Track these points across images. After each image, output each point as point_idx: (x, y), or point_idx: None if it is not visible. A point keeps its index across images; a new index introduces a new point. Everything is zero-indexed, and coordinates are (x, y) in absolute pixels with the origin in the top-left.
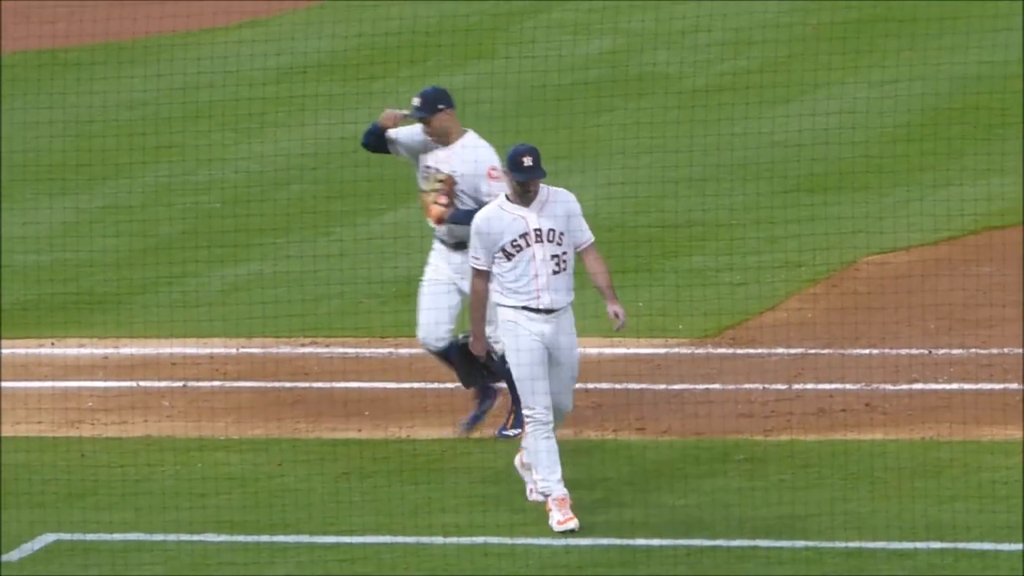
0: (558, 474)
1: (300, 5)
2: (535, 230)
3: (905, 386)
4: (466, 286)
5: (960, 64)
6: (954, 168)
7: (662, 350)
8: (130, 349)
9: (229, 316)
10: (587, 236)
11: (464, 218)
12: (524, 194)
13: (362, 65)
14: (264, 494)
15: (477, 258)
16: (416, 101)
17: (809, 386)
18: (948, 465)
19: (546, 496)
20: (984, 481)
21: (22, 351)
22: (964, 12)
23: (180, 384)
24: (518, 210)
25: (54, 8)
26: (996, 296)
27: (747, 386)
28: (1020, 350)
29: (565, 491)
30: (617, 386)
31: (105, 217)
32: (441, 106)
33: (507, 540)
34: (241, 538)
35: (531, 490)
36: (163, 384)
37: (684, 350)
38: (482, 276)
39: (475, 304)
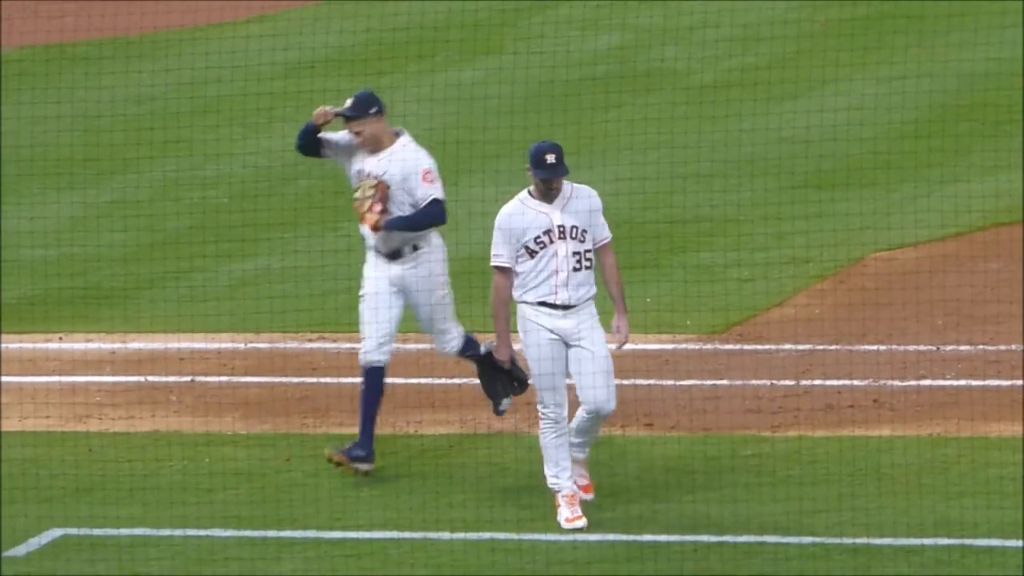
0: (569, 471)
1: (308, 0)
2: (558, 227)
3: (913, 382)
4: (412, 291)
5: (968, 61)
6: (962, 164)
7: (670, 346)
8: (138, 344)
9: (237, 311)
10: (605, 233)
11: (402, 224)
12: (547, 191)
13: (370, 60)
14: (271, 489)
15: (499, 255)
16: (349, 102)
17: (817, 382)
18: (955, 461)
19: (556, 492)
20: (991, 477)
21: (30, 346)
22: (972, 9)
23: (188, 379)
24: (541, 207)
25: (62, 3)
26: (1004, 292)
27: (755, 382)
28: None
29: (575, 487)
30: (625, 382)
31: (113, 212)
32: (373, 109)
33: (514, 536)
34: (248, 533)
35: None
36: (171, 379)
37: (692, 346)
38: (504, 274)
39: (497, 304)
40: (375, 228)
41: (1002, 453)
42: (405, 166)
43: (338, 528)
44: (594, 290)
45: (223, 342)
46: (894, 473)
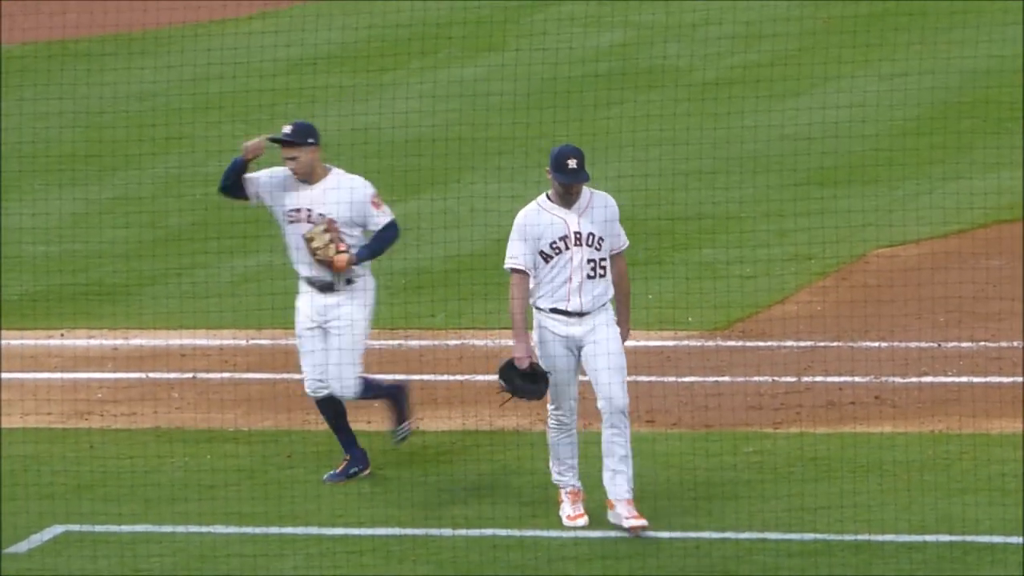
0: (574, 469)
1: None
2: (575, 233)
3: (914, 379)
4: (331, 326)
5: (970, 58)
6: (963, 161)
7: (672, 342)
8: (139, 340)
9: (239, 307)
10: (622, 241)
11: (368, 256)
12: (566, 195)
13: (372, 57)
14: (273, 486)
15: (513, 256)
16: (287, 128)
17: (818, 379)
18: (957, 458)
19: (560, 488)
20: (993, 474)
21: (31, 342)
22: (974, 6)
23: (189, 375)
24: (558, 211)
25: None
26: (1005, 289)
27: (756, 379)
28: None
29: (579, 485)
30: (627, 378)
31: (115, 208)
32: (311, 140)
33: (516, 532)
34: (250, 530)
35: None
36: (172, 375)
37: (694, 342)
38: (522, 278)
39: (514, 308)
40: (348, 265)
41: (1003, 450)
42: (353, 195)
43: (340, 525)
44: (610, 292)
45: (225, 338)
46: (895, 470)
